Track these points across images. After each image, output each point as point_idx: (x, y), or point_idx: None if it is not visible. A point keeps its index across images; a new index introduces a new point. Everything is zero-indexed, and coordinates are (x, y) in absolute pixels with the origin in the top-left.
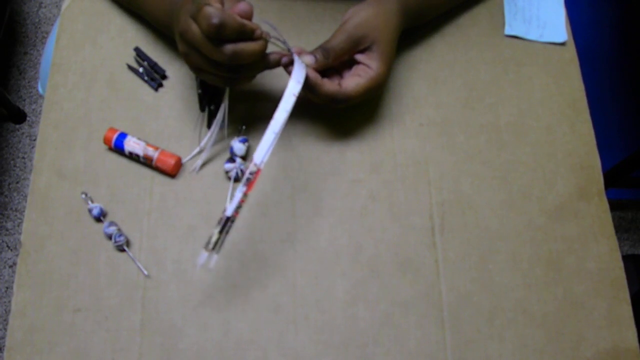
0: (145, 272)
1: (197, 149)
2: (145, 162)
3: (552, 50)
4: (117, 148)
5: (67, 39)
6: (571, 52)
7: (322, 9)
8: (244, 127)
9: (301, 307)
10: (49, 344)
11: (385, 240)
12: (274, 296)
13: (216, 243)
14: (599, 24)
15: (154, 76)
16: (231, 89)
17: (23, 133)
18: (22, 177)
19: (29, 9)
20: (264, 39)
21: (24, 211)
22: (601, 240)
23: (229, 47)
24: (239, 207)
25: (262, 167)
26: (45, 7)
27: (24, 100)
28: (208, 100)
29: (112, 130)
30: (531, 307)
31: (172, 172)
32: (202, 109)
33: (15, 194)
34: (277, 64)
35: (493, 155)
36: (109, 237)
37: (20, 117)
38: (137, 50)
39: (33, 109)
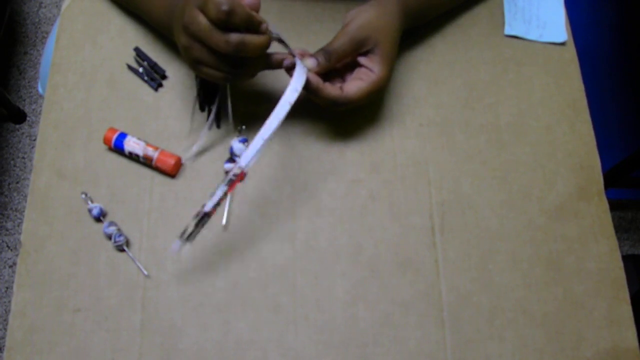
0: (145, 272)
1: (196, 148)
2: (145, 162)
3: (552, 50)
4: (117, 148)
5: (67, 39)
6: (571, 52)
7: (322, 10)
8: (244, 127)
9: (301, 307)
10: (49, 344)
11: (385, 240)
12: (274, 296)
13: (190, 234)
14: (599, 24)
15: (154, 76)
16: (231, 88)
17: (23, 133)
18: (22, 177)
19: (29, 9)
20: (269, 34)
21: (24, 211)
22: (601, 240)
23: (235, 37)
24: (217, 205)
25: (247, 170)
26: (45, 7)
27: (24, 100)
28: (208, 100)
29: (112, 130)
30: (531, 307)
31: (172, 172)
32: (202, 109)
33: (15, 194)
34: (278, 65)
35: (493, 155)
36: (109, 237)
37: (20, 117)
38: (137, 50)
39: (33, 109)
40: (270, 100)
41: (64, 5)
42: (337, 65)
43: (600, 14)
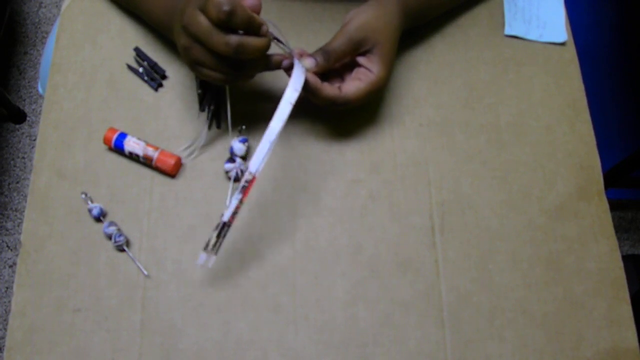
0: (145, 272)
1: (194, 146)
2: (145, 162)
3: (552, 50)
4: (117, 148)
5: (67, 39)
6: (571, 52)
7: (321, 9)
8: (244, 127)
9: (301, 307)
10: (49, 344)
11: (385, 240)
12: (274, 296)
13: (214, 245)
14: (599, 24)
15: (154, 76)
16: (231, 88)
17: (23, 133)
18: (22, 177)
19: (29, 9)
20: (269, 37)
21: (24, 211)
22: (601, 240)
23: (235, 39)
24: (235, 213)
25: (257, 175)
26: (45, 7)
27: (24, 100)
28: (208, 100)
29: (112, 130)
30: (531, 307)
31: (172, 172)
32: (202, 109)
33: (15, 194)
34: (278, 66)
35: (493, 155)
36: (109, 237)
37: (20, 117)
38: (137, 50)
39: (33, 109)
40: (270, 100)
41: (64, 5)
42: (335, 65)
43: (600, 14)
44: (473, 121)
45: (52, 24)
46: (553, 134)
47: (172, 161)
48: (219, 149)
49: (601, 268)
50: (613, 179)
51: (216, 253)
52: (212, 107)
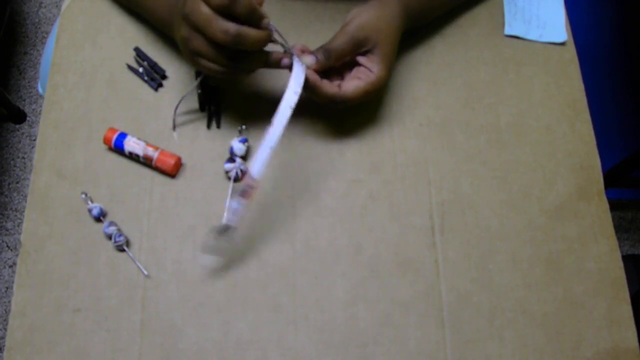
0: (145, 272)
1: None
2: (145, 162)
3: (552, 50)
4: (117, 148)
5: (67, 39)
6: (571, 52)
7: (322, 9)
8: (244, 127)
9: (301, 307)
10: (49, 344)
11: (385, 240)
12: (274, 296)
13: (218, 247)
14: (599, 24)
15: (154, 76)
16: (231, 88)
17: (23, 133)
18: (22, 177)
19: (29, 9)
20: (269, 30)
21: (24, 211)
22: (601, 240)
23: (234, 27)
24: (238, 218)
25: (259, 180)
26: (45, 7)
27: (24, 100)
28: (207, 100)
29: (112, 130)
30: (531, 307)
31: (172, 172)
32: (202, 109)
33: (15, 194)
34: (277, 63)
35: (493, 155)
36: (109, 237)
37: (20, 117)
38: (137, 50)
39: (33, 109)
40: (269, 100)
41: (64, 5)
42: (336, 64)
43: (600, 14)
44: (473, 121)
45: (52, 24)
46: (553, 134)
47: (172, 161)
48: (219, 149)
49: (601, 268)
50: (613, 179)
51: (217, 254)
52: (212, 107)
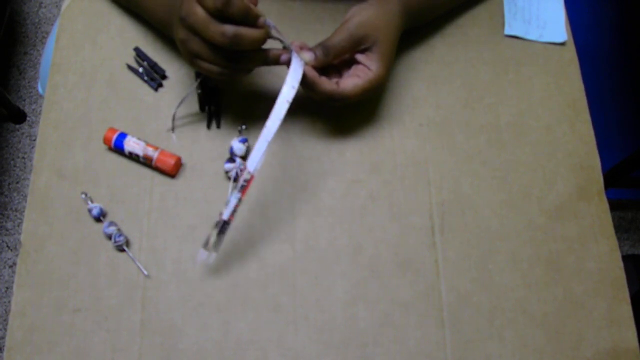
0: (145, 272)
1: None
2: (145, 162)
3: (552, 50)
4: (117, 148)
5: (67, 39)
6: (571, 52)
7: (322, 9)
8: (243, 127)
9: (301, 307)
10: (49, 344)
11: (385, 240)
12: (274, 296)
13: (215, 243)
14: (599, 24)
15: (154, 76)
16: (230, 87)
17: (23, 133)
18: (22, 177)
19: (29, 9)
20: (266, 29)
21: (24, 211)
22: (601, 240)
23: (231, 29)
24: (234, 212)
25: (255, 174)
26: (45, 7)
27: (24, 100)
28: (207, 100)
29: (112, 130)
30: (531, 307)
31: (172, 172)
32: (202, 109)
33: (15, 194)
34: (275, 60)
35: (493, 155)
36: (109, 237)
37: (20, 117)
38: (137, 50)
39: (33, 109)
40: (270, 100)
41: (64, 5)
42: (334, 62)
43: (600, 14)
44: (473, 121)
45: (52, 24)
46: (553, 134)
47: (172, 161)
48: (219, 149)
49: (601, 268)
50: (613, 179)
51: (217, 251)
52: (212, 108)
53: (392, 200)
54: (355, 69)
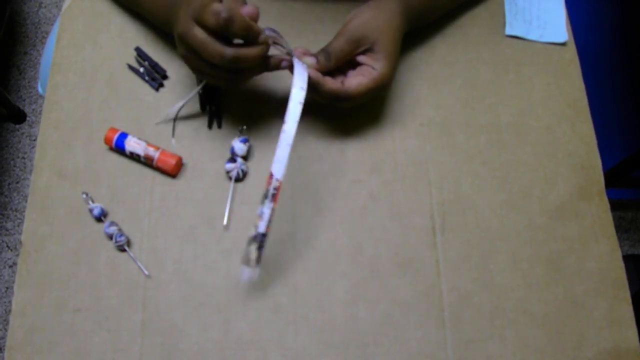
0: (146, 272)
1: (179, 104)
2: (146, 162)
3: (553, 51)
4: (118, 148)
5: (68, 39)
6: (571, 52)
7: (322, 9)
8: (244, 127)
9: (301, 307)
10: (49, 344)
11: (385, 240)
12: (274, 296)
13: (257, 258)
14: (599, 24)
15: (155, 76)
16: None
17: (23, 133)
18: (22, 177)
19: (29, 9)
20: (266, 43)
21: (24, 211)
22: (602, 240)
23: (230, 51)
24: (269, 222)
25: (282, 179)
26: (45, 7)
27: (24, 100)
28: (208, 100)
29: (113, 130)
30: (532, 307)
31: (173, 172)
32: (202, 109)
33: (15, 194)
34: (277, 67)
35: (493, 155)
36: (110, 237)
37: (20, 117)
38: (138, 50)
39: (33, 109)
40: (270, 100)
41: (65, 5)
42: (336, 66)
43: (601, 14)
44: (473, 121)
45: (52, 24)
46: (553, 134)
47: (173, 161)
48: (220, 149)
49: (602, 268)
50: (613, 179)
51: (259, 265)
52: (213, 108)
53: (393, 200)
54: (359, 70)
